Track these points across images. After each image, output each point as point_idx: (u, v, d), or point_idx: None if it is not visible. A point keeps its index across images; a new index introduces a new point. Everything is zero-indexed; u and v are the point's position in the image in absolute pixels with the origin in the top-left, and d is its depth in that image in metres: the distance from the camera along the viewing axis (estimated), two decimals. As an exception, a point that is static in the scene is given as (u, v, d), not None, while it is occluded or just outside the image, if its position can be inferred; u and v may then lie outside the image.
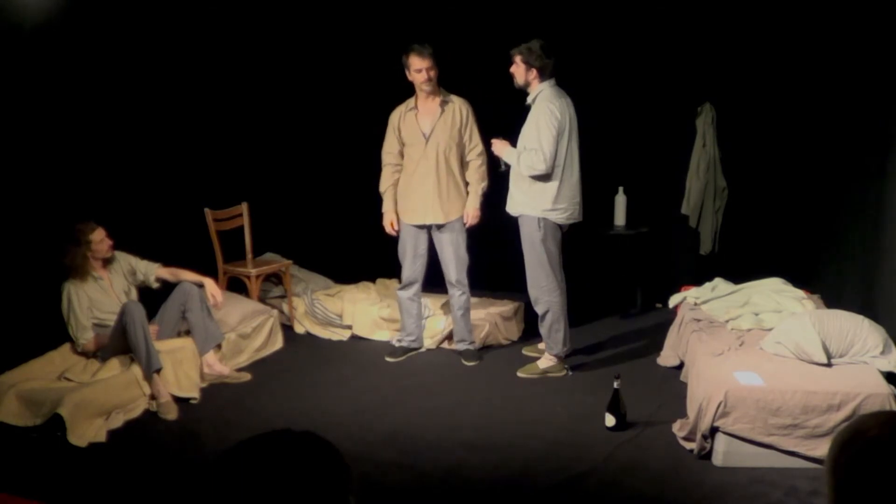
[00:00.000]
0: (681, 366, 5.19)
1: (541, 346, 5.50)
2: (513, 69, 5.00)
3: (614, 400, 4.49)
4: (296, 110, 6.87)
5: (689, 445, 4.24)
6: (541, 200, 5.01)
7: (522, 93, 5.82)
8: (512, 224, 6.44)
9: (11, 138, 5.04)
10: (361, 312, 6.04)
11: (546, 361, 5.33)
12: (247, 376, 5.34)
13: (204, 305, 5.19)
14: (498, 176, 5.31)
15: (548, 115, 4.89)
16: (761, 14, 5.84)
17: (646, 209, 6.45)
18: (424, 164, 5.34)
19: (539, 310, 5.23)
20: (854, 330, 4.38)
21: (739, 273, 5.68)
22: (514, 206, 5.14)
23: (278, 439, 1.31)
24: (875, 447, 1.38)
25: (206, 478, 1.27)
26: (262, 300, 6.16)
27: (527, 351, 5.67)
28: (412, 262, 5.54)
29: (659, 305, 6.41)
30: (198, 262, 5.57)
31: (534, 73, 4.94)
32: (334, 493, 1.27)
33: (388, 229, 5.53)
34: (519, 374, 5.31)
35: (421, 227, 5.47)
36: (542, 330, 5.30)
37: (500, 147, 5.12)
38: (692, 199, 6.27)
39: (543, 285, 5.15)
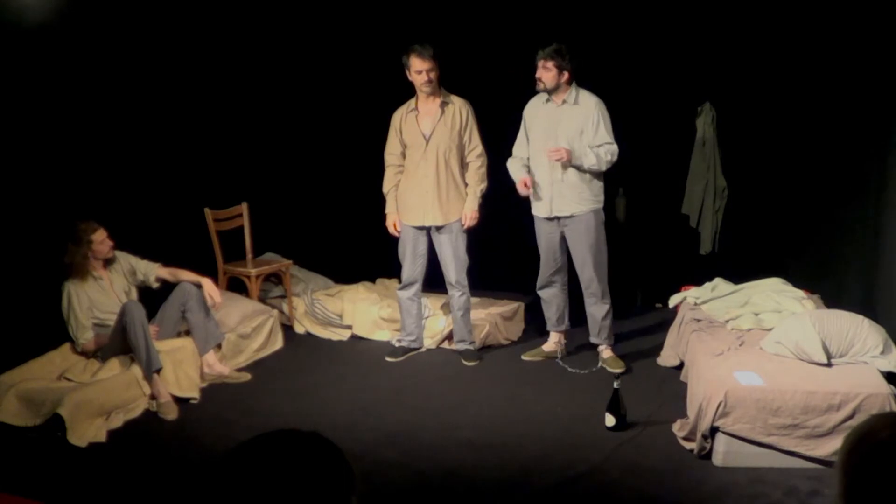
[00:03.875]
0: (681, 366, 5.18)
1: (545, 348, 5.57)
2: (541, 73, 5.00)
3: (614, 400, 4.49)
4: (296, 110, 6.86)
5: (689, 445, 4.24)
6: (599, 193, 5.18)
7: (523, 94, 5.81)
8: (511, 225, 6.45)
9: (11, 138, 5.04)
10: (361, 312, 6.04)
11: (610, 352, 5.43)
12: (247, 376, 5.34)
13: (203, 305, 5.19)
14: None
15: (606, 111, 5.05)
16: (761, 14, 5.84)
17: (646, 209, 6.45)
18: (424, 165, 5.33)
19: (606, 303, 5.29)
20: (854, 330, 4.38)
21: (739, 273, 5.67)
22: (570, 205, 5.14)
23: (282, 439, 1.31)
24: (885, 449, 1.38)
25: (210, 476, 1.27)
26: (262, 300, 6.16)
27: (527, 356, 5.61)
28: (412, 263, 5.53)
29: (659, 305, 6.40)
30: (198, 262, 5.57)
31: (566, 75, 5.01)
32: (337, 494, 1.28)
33: (392, 230, 5.53)
34: (613, 370, 5.23)
35: (420, 227, 5.47)
36: (605, 322, 5.33)
37: (566, 154, 5.00)
38: (692, 199, 6.26)
39: (604, 276, 5.24)
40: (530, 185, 5.14)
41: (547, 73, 5.00)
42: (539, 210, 5.26)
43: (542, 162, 5.12)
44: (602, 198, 5.21)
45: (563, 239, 5.27)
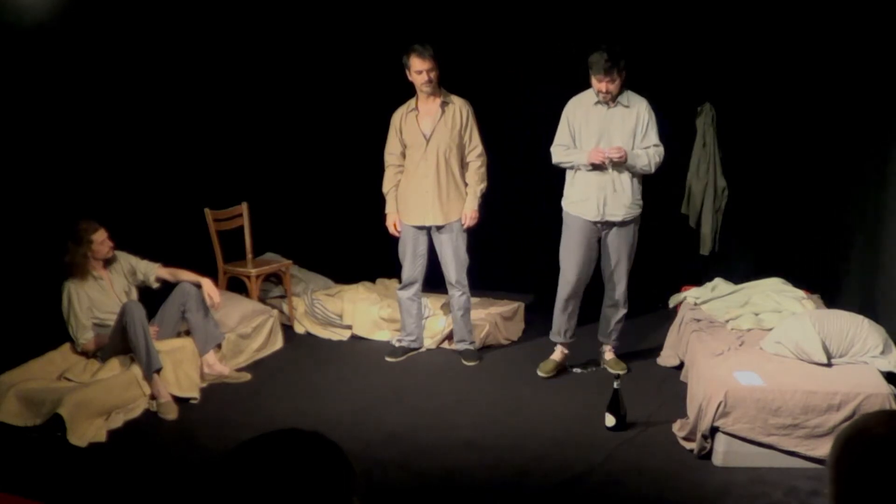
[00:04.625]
0: (681, 366, 5.18)
1: (557, 359, 5.33)
2: (608, 86, 4.82)
3: (614, 400, 4.49)
4: (296, 110, 6.87)
5: (689, 445, 4.24)
6: (640, 197, 5.09)
7: (522, 93, 5.81)
8: (511, 225, 6.45)
9: (12, 138, 5.04)
10: (361, 312, 6.04)
11: (613, 354, 5.38)
12: (247, 376, 5.34)
13: (203, 305, 5.19)
14: (560, 171, 5.19)
15: (653, 113, 4.96)
16: (761, 14, 5.83)
17: (646, 209, 6.43)
18: (425, 165, 5.33)
19: (625, 308, 5.25)
20: (854, 330, 4.38)
21: (739, 273, 5.67)
22: (622, 210, 5.00)
23: (283, 439, 1.31)
24: (878, 446, 1.37)
25: (210, 476, 1.27)
26: (262, 300, 6.16)
27: (544, 373, 5.29)
28: (412, 263, 5.53)
29: (659, 305, 6.40)
30: (198, 262, 5.57)
31: (624, 77, 4.90)
32: (338, 494, 1.27)
33: (392, 230, 5.52)
34: (615, 371, 5.17)
35: (421, 227, 5.47)
36: (618, 325, 5.31)
37: (623, 154, 4.87)
38: (692, 200, 6.26)
39: (627, 284, 5.18)
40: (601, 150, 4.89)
41: (612, 84, 4.82)
42: (586, 212, 5.02)
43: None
44: (642, 202, 5.11)
45: (598, 242, 5.13)
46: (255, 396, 5.05)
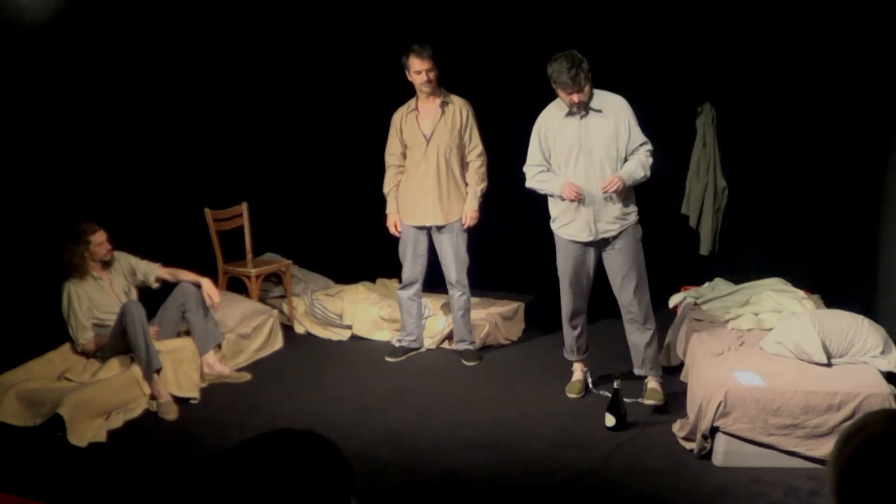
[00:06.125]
0: (681, 366, 5.18)
1: (579, 379, 5.00)
2: (578, 97, 4.43)
3: (614, 400, 4.49)
4: (296, 110, 6.87)
5: (689, 445, 4.24)
6: (635, 201, 4.70)
7: (522, 93, 5.79)
8: (512, 225, 6.44)
9: (12, 138, 5.05)
10: (361, 312, 6.04)
11: (657, 383, 4.85)
12: (247, 376, 5.34)
13: (203, 305, 5.19)
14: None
15: (630, 107, 4.60)
16: (761, 14, 5.83)
17: (646, 209, 6.43)
18: (425, 165, 5.33)
19: (650, 328, 4.76)
20: (854, 330, 4.38)
21: (739, 273, 5.67)
22: (615, 223, 4.62)
23: (280, 439, 1.32)
24: (875, 442, 1.40)
25: (208, 477, 1.27)
26: (262, 300, 6.16)
27: (573, 394, 4.97)
28: (412, 263, 5.54)
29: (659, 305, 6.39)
30: (198, 262, 5.58)
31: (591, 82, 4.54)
32: (336, 493, 1.28)
33: (392, 230, 5.52)
34: (653, 402, 4.76)
35: (421, 227, 5.47)
36: (650, 351, 4.79)
37: (619, 182, 4.47)
38: (692, 200, 6.26)
39: (646, 298, 4.71)
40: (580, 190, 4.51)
41: (582, 93, 4.43)
42: (577, 233, 4.64)
43: (578, 180, 4.53)
44: (636, 206, 4.70)
45: (597, 261, 4.75)
46: (255, 396, 5.05)
